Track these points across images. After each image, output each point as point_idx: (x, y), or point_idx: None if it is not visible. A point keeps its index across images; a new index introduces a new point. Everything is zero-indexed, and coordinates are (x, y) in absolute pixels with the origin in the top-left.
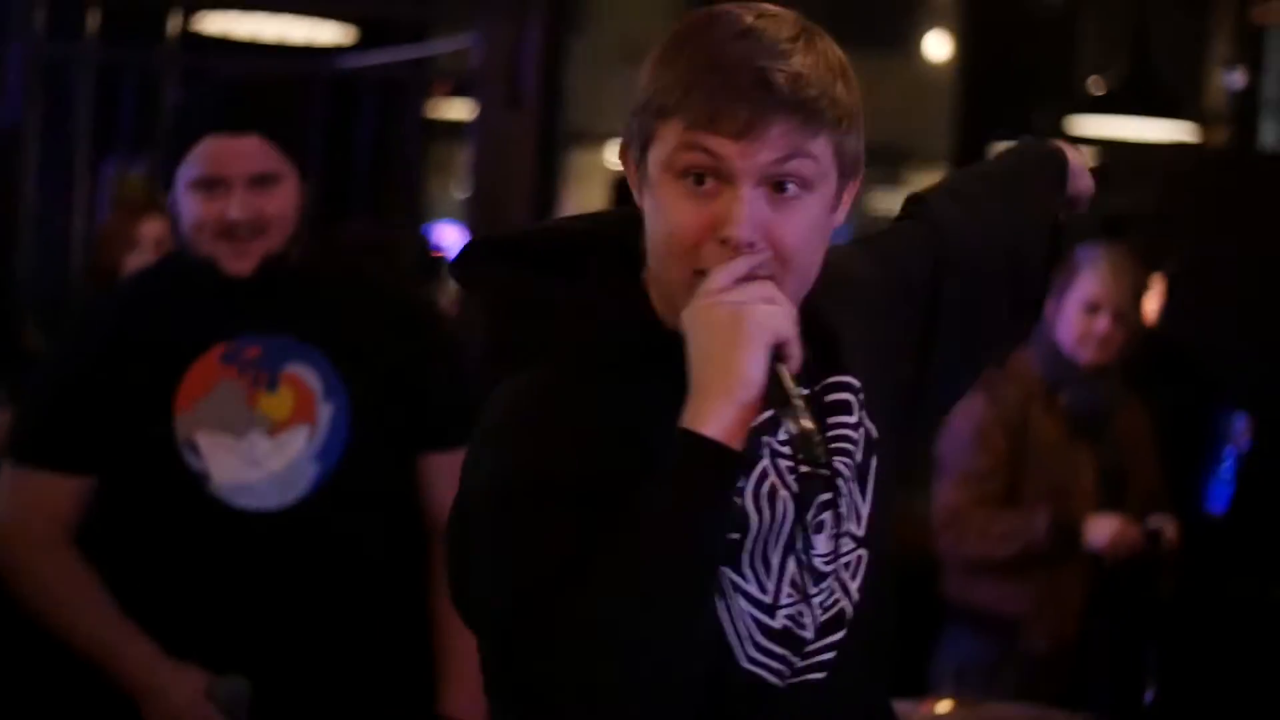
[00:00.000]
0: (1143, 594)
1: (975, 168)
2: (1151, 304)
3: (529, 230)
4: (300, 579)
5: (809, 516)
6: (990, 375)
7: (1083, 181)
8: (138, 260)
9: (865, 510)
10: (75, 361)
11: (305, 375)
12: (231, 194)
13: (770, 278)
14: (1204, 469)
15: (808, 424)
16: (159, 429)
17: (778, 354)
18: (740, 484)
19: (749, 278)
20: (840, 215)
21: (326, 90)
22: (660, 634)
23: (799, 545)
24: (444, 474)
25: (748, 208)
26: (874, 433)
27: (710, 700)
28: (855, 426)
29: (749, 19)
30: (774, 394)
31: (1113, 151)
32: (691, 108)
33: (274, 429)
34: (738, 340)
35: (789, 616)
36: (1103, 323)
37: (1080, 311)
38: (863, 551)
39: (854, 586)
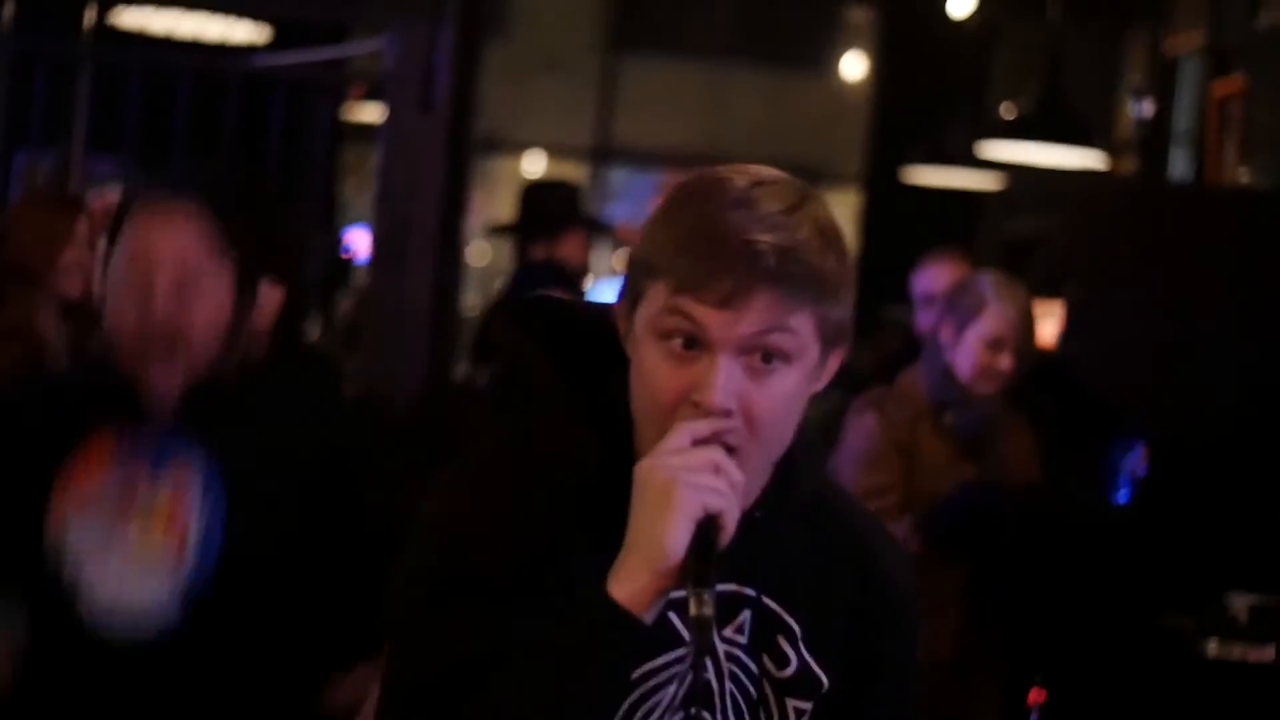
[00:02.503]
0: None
1: None
2: (1049, 329)
3: (595, 310)
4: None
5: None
6: (880, 394)
7: None
8: (74, 256)
9: None
10: None
11: (185, 475)
12: (153, 300)
13: (735, 447)
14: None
15: (707, 611)
16: (29, 537)
17: (709, 526)
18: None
19: (710, 441)
20: (820, 384)
21: (239, 90)
22: None
23: None
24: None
25: (724, 376)
26: (822, 679)
27: None
28: (776, 667)
29: (747, 186)
30: (691, 568)
31: (1021, 176)
32: (678, 272)
33: (147, 536)
34: (667, 507)
35: None
36: (1006, 360)
37: (983, 347)
38: None
39: None
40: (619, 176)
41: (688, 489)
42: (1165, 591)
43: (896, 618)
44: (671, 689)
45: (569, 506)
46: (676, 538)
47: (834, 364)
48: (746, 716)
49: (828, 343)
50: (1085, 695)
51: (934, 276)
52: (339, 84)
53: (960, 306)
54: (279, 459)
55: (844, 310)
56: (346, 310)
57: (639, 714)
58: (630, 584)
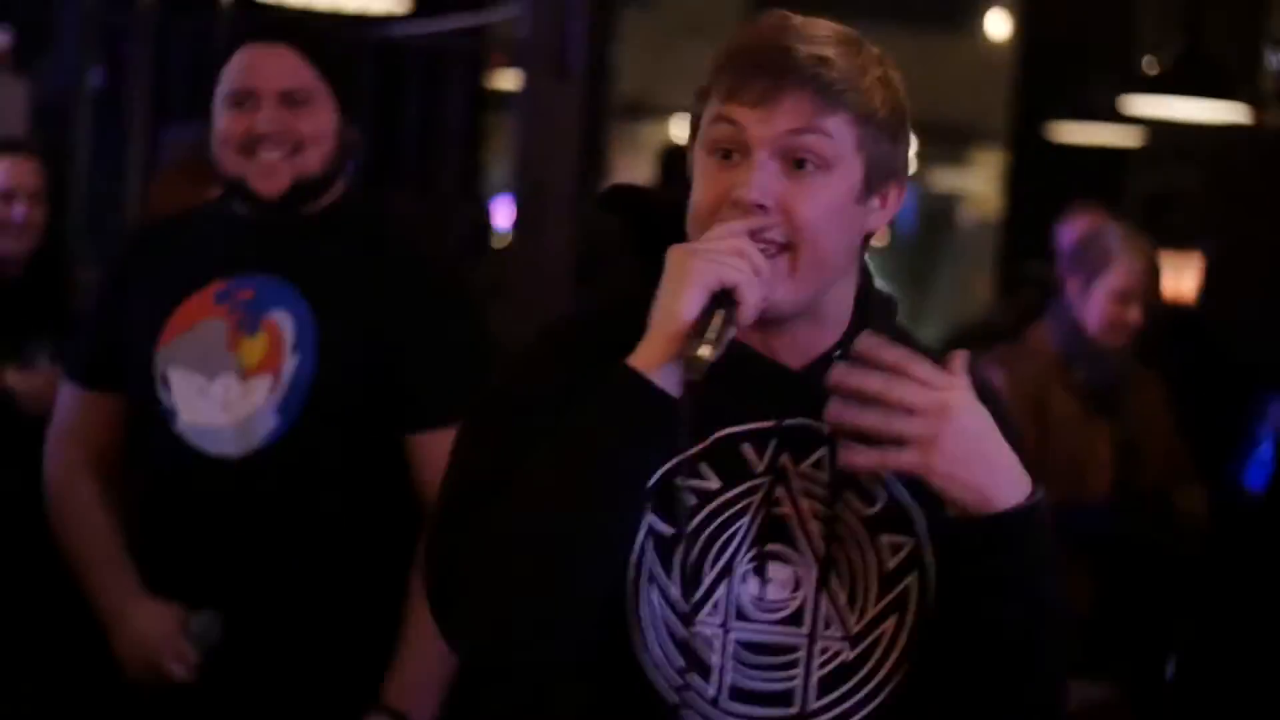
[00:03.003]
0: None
1: None
2: (1188, 282)
3: (677, 195)
4: (255, 529)
5: (744, 555)
6: (1008, 352)
7: None
8: None
9: (868, 612)
10: (102, 286)
11: (283, 323)
12: (260, 108)
13: (783, 247)
14: (1241, 449)
15: (702, 352)
16: (143, 360)
17: (726, 299)
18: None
19: (751, 236)
20: (876, 219)
21: (378, 59)
22: (557, 544)
23: (735, 575)
24: (427, 455)
25: (760, 173)
26: (915, 514)
27: (608, 697)
28: (864, 504)
29: (796, 20)
30: (699, 327)
31: (1164, 131)
32: (721, 83)
33: (245, 374)
34: (681, 280)
35: (701, 635)
36: (1134, 313)
37: (1112, 301)
38: (844, 649)
39: (815, 676)
40: None
41: (704, 261)
42: None
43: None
44: (746, 519)
45: (622, 351)
46: (688, 302)
47: (888, 203)
48: (840, 555)
49: (875, 169)
50: (1224, 651)
51: (1077, 231)
52: (476, 52)
53: (1088, 260)
54: (364, 304)
55: (891, 145)
56: (488, 283)
57: (713, 549)
58: (645, 351)
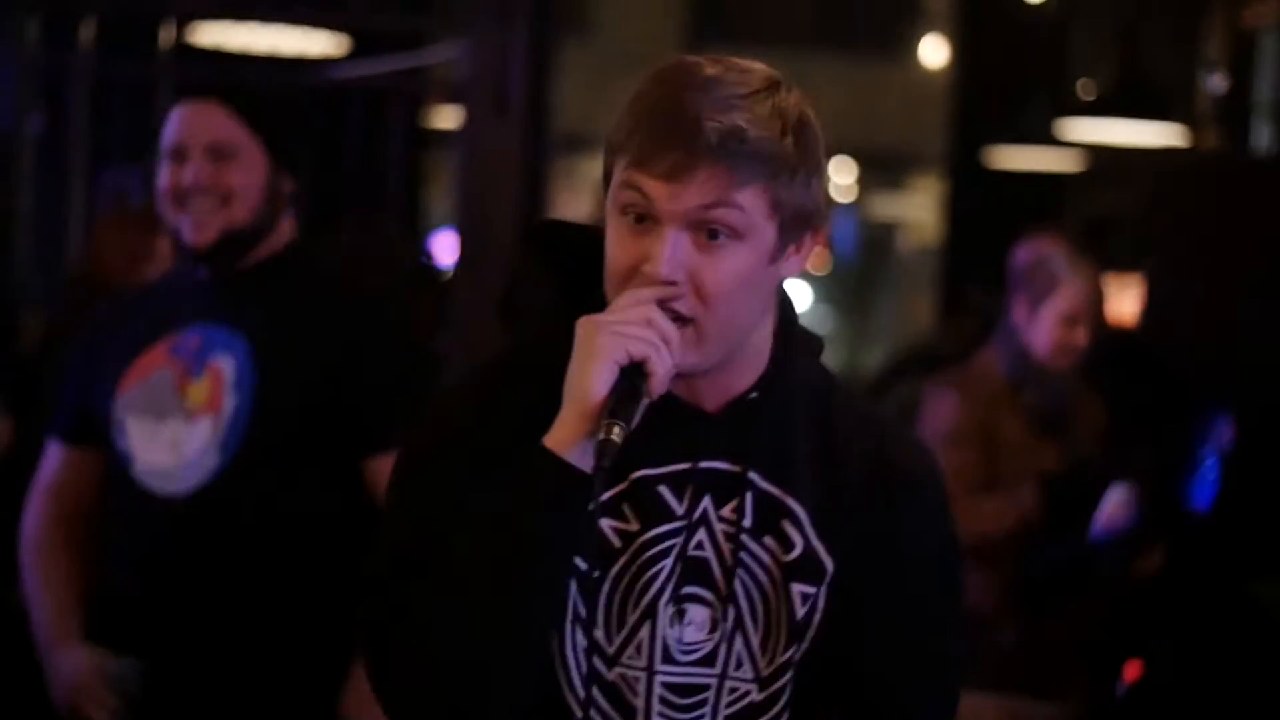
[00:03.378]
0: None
1: None
2: (1129, 305)
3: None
4: (200, 566)
5: (666, 598)
6: (957, 375)
7: None
8: (150, 270)
9: (778, 657)
10: (81, 343)
11: (224, 365)
12: (189, 162)
13: (690, 319)
14: (1184, 468)
15: (613, 437)
16: (105, 411)
17: (636, 371)
18: (600, 507)
19: (660, 305)
20: (790, 267)
21: (318, 101)
22: (476, 629)
23: (659, 617)
24: (382, 476)
25: (669, 247)
26: (826, 564)
27: None
28: (781, 550)
29: (712, 70)
30: (611, 405)
31: (1103, 154)
32: (632, 148)
33: (190, 416)
34: (591, 353)
35: (624, 677)
36: (1080, 335)
37: (1059, 323)
38: (752, 690)
39: (722, 716)
40: None
41: (612, 335)
42: (1256, 564)
43: (913, 499)
44: (668, 561)
45: (545, 403)
46: (598, 378)
47: (803, 250)
48: (756, 599)
49: (787, 226)
50: (1175, 669)
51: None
52: (416, 91)
53: (1035, 283)
54: (304, 341)
55: (806, 195)
56: (431, 316)
57: (639, 585)
58: (559, 430)
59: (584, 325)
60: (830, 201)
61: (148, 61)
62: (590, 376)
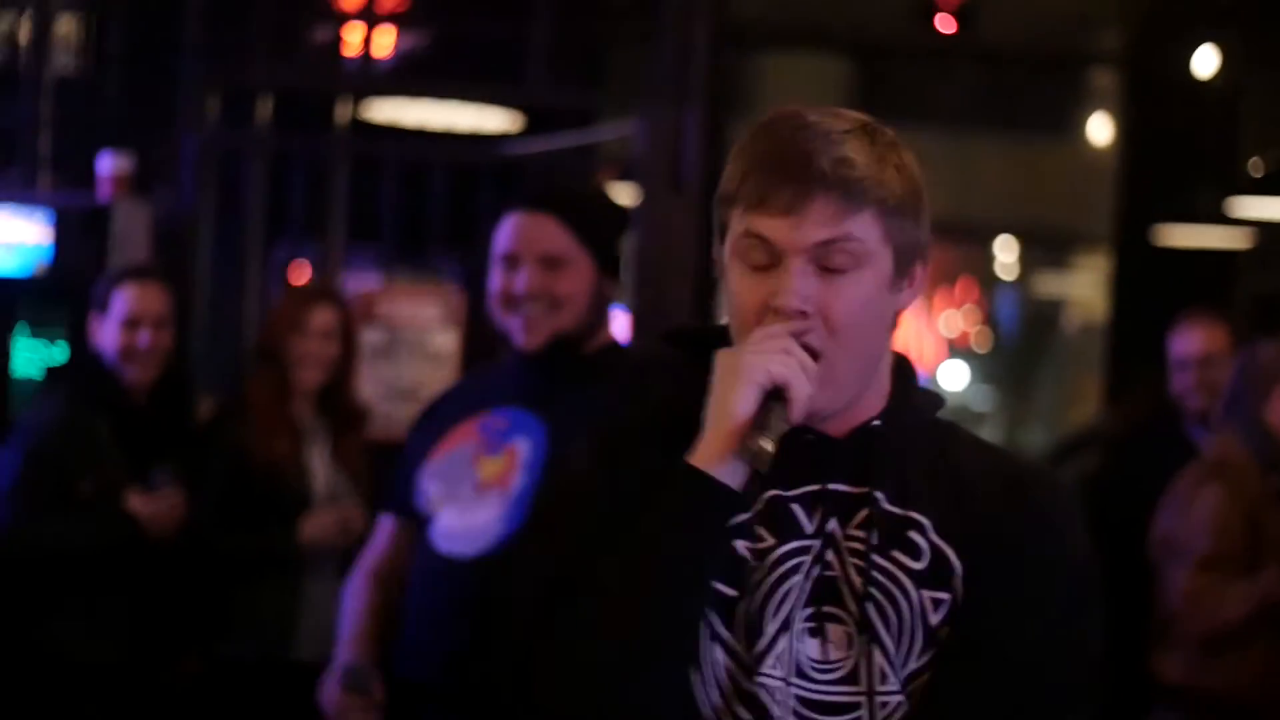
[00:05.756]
0: None
1: None
2: None
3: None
4: (475, 623)
5: (802, 614)
6: (1213, 466)
7: None
8: (303, 346)
9: (910, 665)
10: (415, 427)
11: (523, 447)
12: (520, 270)
13: (818, 351)
14: None
15: (765, 445)
16: (415, 475)
17: (777, 395)
18: (744, 523)
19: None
20: (905, 298)
21: (492, 177)
22: (633, 648)
23: (794, 630)
24: None
25: (796, 280)
26: (955, 564)
27: None
28: (911, 559)
29: (811, 116)
30: (758, 422)
31: (1272, 232)
32: (746, 193)
33: (480, 488)
34: (734, 379)
35: (765, 687)
36: None
37: None
38: (902, 701)
39: None
40: None
41: (755, 358)
42: None
43: (1035, 503)
44: (799, 577)
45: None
46: (743, 399)
47: (915, 284)
48: (890, 613)
49: (902, 255)
50: None
51: (1191, 339)
52: (589, 168)
53: (1270, 367)
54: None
55: (915, 228)
56: None
57: (772, 603)
58: (704, 449)
59: (724, 355)
60: (930, 238)
61: (323, 138)
62: (735, 397)
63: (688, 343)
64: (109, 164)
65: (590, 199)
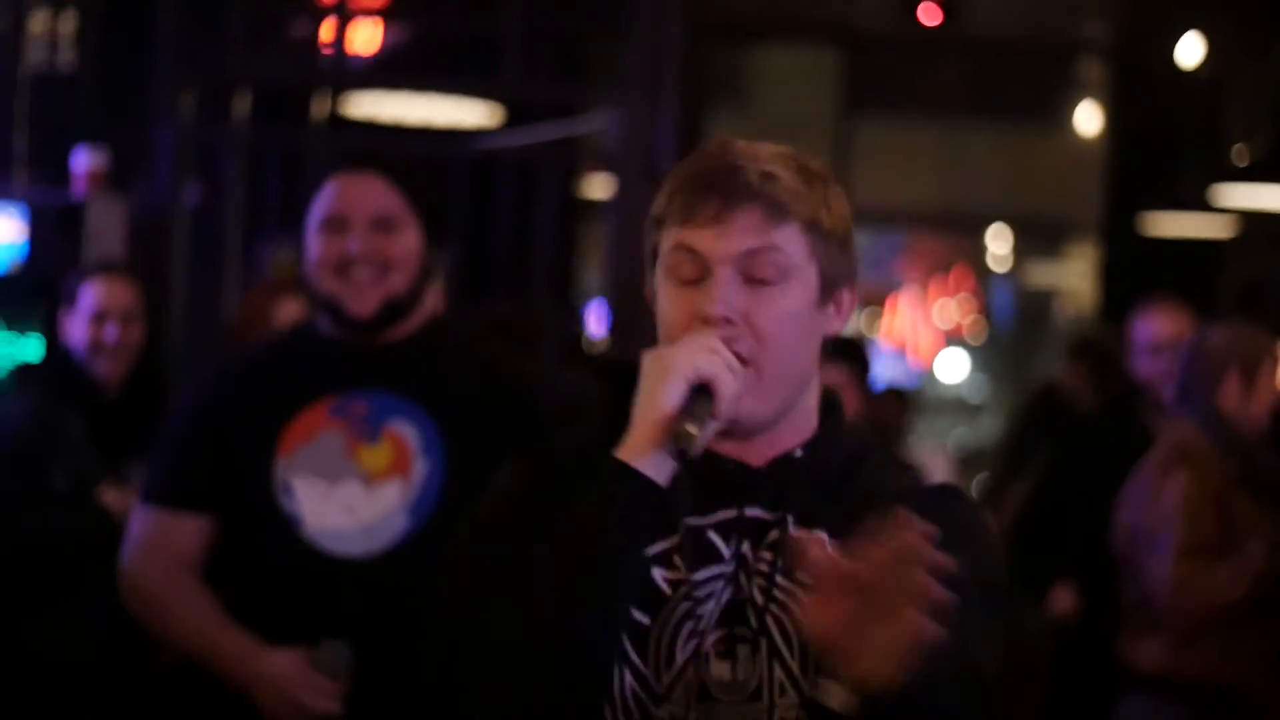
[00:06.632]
0: None
1: None
2: None
3: None
4: (377, 627)
5: (715, 637)
6: (1174, 451)
7: None
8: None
9: (808, 675)
10: (199, 410)
11: (406, 431)
12: (352, 233)
13: (746, 359)
14: None
15: (690, 429)
16: (260, 473)
17: (704, 390)
18: (656, 553)
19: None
20: (832, 324)
21: (469, 171)
22: (559, 631)
23: (700, 658)
24: None
25: (723, 289)
26: None
27: None
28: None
29: (740, 144)
30: (684, 412)
31: (1257, 220)
32: (674, 209)
33: (370, 480)
34: (662, 373)
35: (673, 716)
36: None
37: (1273, 394)
38: (800, 715)
39: None
40: (859, 238)
41: (681, 354)
42: None
43: (937, 511)
44: (711, 604)
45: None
46: (669, 392)
47: (844, 306)
48: (790, 629)
49: (828, 277)
50: None
51: (1162, 323)
52: (568, 161)
53: (1246, 358)
54: (476, 415)
55: (842, 255)
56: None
57: (685, 628)
58: (630, 442)
59: (651, 354)
60: (856, 265)
61: (301, 132)
62: (661, 391)
63: (618, 376)
64: (84, 160)
65: (408, 163)
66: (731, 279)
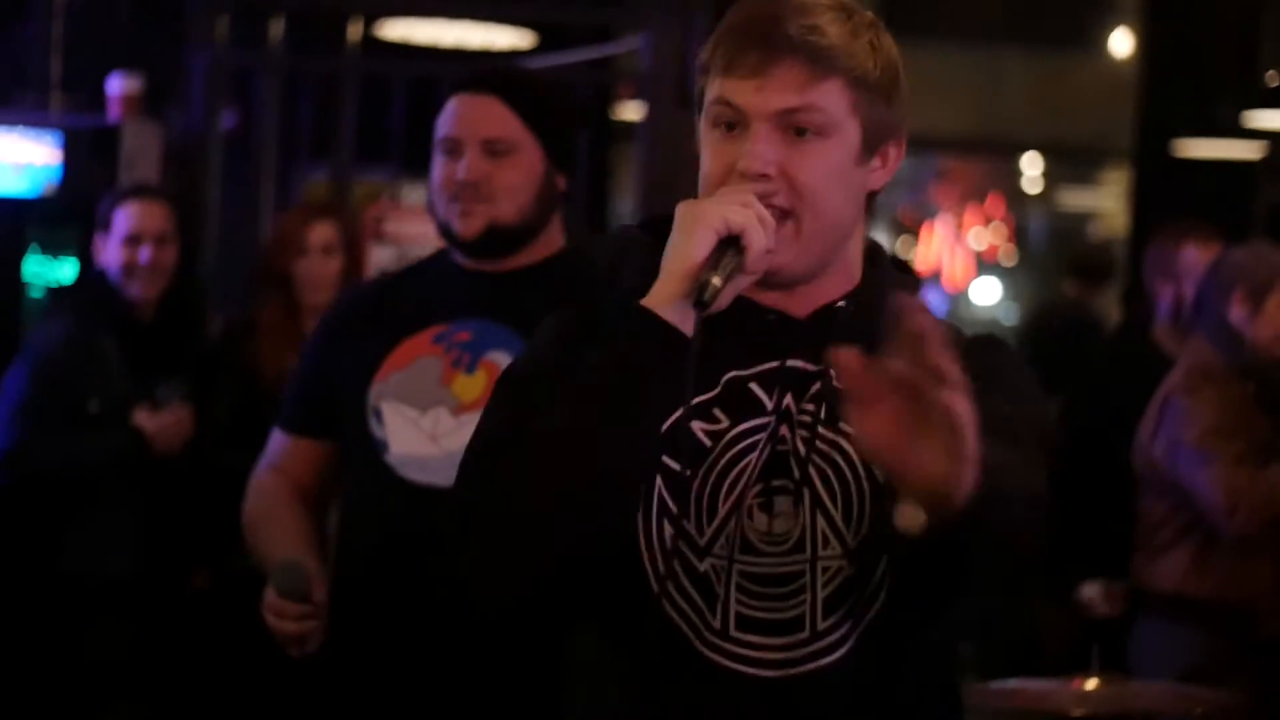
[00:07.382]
0: None
1: None
2: None
3: None
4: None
5: (756, 489)
6: (1199, 369)
7: None
8: (305, 265)
9: (864, 526)
10: (323, 333)
11: (504, 362)
12: (463, 156)
13: (787, 213)
14: None
15: (712, 279)
16: (356, 398)
17: (733, 243)
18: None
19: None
20: (876, 178)
21: None
22: (579, 479)
23: (742, 509)
24: None
25: (760, 143)
26: None
27: (629, 644)
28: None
29: None
30: (710, 263)
31: None
32: (717, 60)
33: (459, 409)
34: (691, 225)
35: (714, 569)
36: None
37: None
38: (844, 565)
39: (820, 597)
40: None
41: (712, 207)
42: None
43: (992, 368)
44: (754, 455)
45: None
46: (697, 243)
47: (887, 163)
48: (833, 479)
49: (871, 131)
50: None
51: (1209, 251)
52: (602, 85)
53: (1255, 279)
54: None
55: (888, 108)
56: None
57: (727, 480)
58: (656, 291)
59: (684, 205)
60: (904, 118)
61: (335, 57)
62: (690, 241)
63: (659, 229)
64: (119, 84)
65: (539, 82)
66: (769, 134)
